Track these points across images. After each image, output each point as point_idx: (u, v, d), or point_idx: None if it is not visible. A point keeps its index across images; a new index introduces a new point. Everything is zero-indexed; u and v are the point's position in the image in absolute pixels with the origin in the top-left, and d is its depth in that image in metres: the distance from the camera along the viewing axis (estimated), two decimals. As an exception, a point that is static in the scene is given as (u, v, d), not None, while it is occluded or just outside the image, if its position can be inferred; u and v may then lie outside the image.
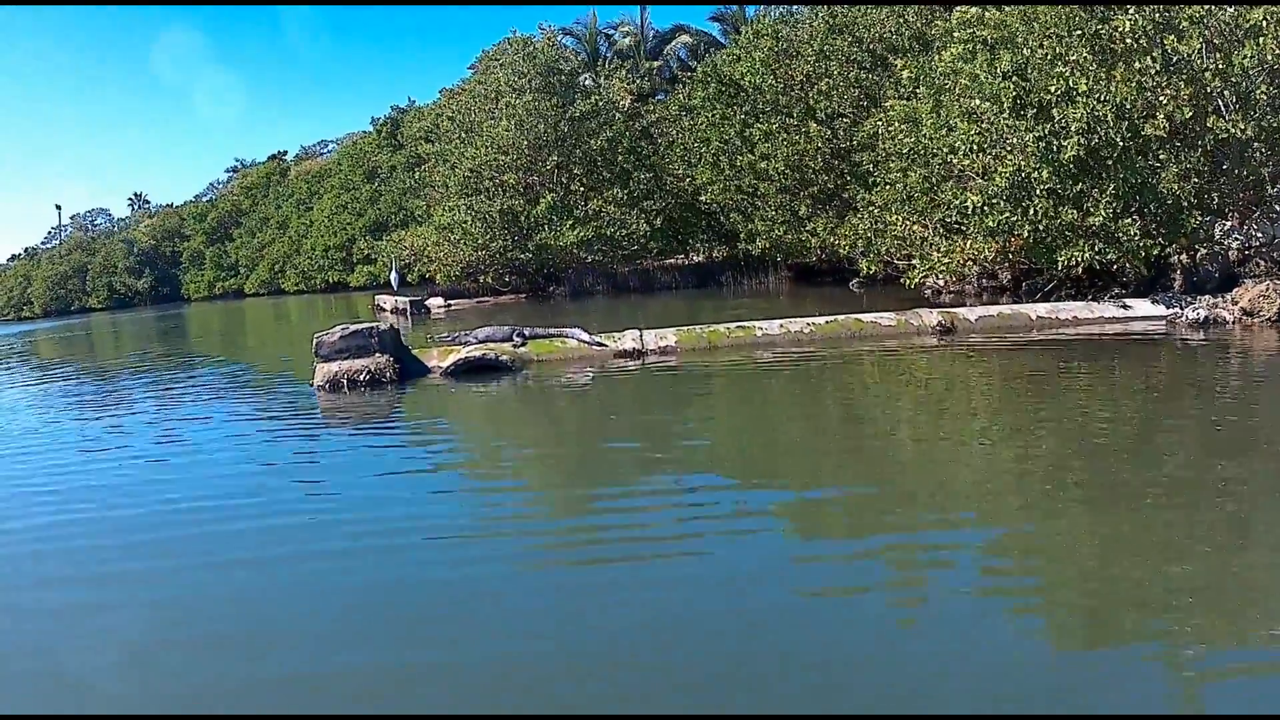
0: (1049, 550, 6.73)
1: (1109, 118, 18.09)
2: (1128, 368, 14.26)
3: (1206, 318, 17.52)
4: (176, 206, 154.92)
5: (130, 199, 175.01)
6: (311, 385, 16.65)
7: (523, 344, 17.61)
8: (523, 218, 40.33)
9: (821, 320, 18.22)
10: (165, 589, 6.98)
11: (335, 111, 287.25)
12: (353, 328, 17.04)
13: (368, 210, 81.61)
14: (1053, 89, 18.55)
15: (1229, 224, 20.81)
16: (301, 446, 12.12)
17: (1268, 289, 17.57)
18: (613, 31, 76.53)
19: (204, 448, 12.34)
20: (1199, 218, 19.41)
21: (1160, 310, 18.59)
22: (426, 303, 41.41)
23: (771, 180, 33.27)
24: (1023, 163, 18.54)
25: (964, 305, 21.56)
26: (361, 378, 16.31)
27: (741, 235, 37.04)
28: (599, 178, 41.55)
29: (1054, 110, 18.67)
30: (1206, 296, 18.53)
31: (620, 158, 41.88)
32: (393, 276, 51.31)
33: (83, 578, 7.38)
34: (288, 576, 7.06)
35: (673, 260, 45.23)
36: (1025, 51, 19.66)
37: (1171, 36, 18.28)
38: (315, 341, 16.94)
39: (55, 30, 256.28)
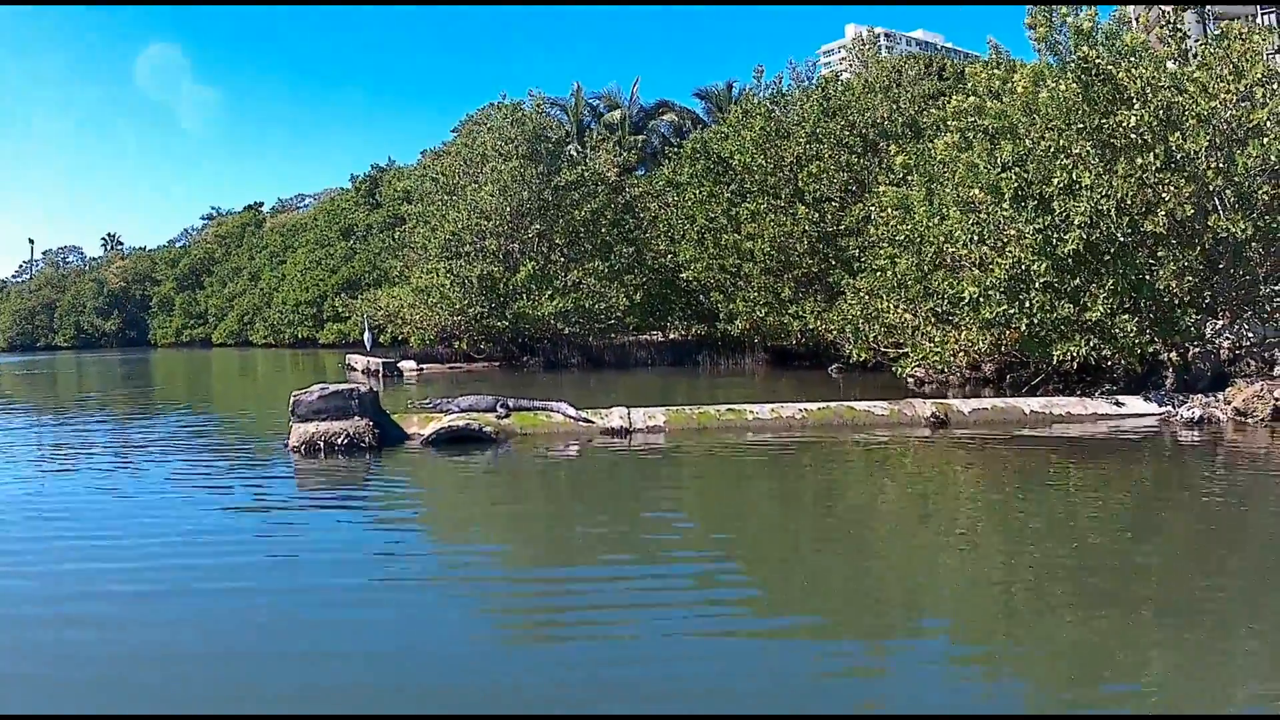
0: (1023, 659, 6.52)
1: (1112, 212, 17.89)
2: (1125, 468, 14.00)
3: (1201, 417, 17.34)
4: (149, 250, 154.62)
5: (103, 239, 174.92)
6: (286, 445, 15.99)
7: (506, 415, 17.08)
8: (501, 285, 39.89)
9: (814, 407, 17.81)
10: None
11: (314, 166, 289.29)
12: (332, 388, 16.50)
13: (341, 267, 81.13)
14: (1055, 181, 18.35)
15: (1220, 323, 20.62)
16: (273, 521, 11.54)
17: (1261, 390, 17.41)
18: (598, 103, 76.70)
19: (173, 524, 11.24)
20: (1193, 316, 19.22)
21: (1153, 408, 18.36)
22: (399, 365, 40.81)
23: (756, 261, 32.95)
24: (1021, 255, 18.28)
25: (946, 395, 21.30)
26: (339, 441, 15.68)
27: (721, 315, 36.59)
28: (580, 249, 41.20)
29: (1054, 203, 18.47)
30: (1200, 395, 18.31)
31: (603, 230, 41.57)
32: (366, 336, 50.65)
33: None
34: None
35: (648, 336, 44.82)
36: (1027, 143, 19.48)
37: (1177, 134, 18.14)
38: (292, 400, 16.23)
39: (40, 58, 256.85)
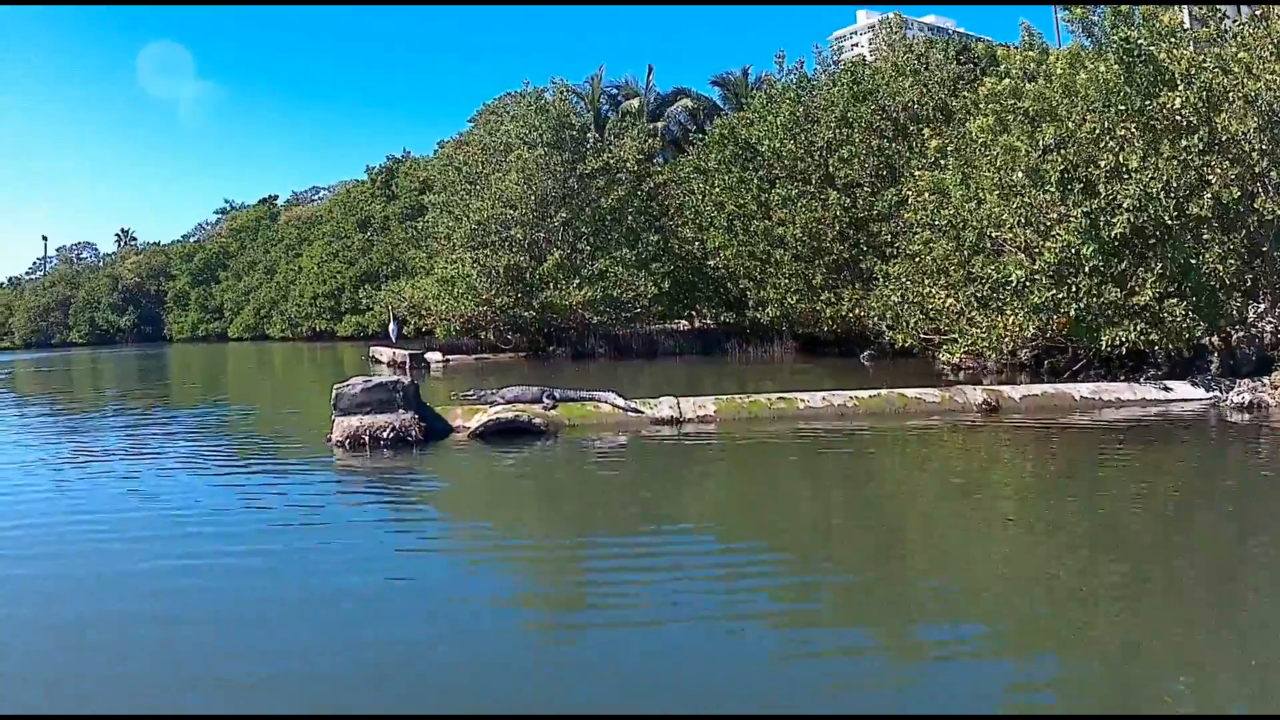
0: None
1: (1160, 195, 17.71)
2: (1183, 452, 13.93)
3: (1251, 401, 17.10)
4: (163, 245, 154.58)
5: (117, 235, 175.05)
6: (329, 440, 15.77)
7: (553, 406, 16.83)
8: (528, 274, 39.74)
9: (865, 394, 17.61)
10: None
11: (328, 158, 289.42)
12: (375, 380, 16.28)
13: (359, 259, 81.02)
14: (1103, 164, 18.17)
15: (1262, 306, 20.44)
16: (328, 516, 11.40)
17: (1309, 374, 17.23)
18: (616, 91, 76.51)
19: (228, 525, 11.05)
20: (1238, 300, 19.08)
21: (1200, 393, 18.17)
22: (425, 357, 40.62)
23: (787, 247, 32.79)
24: (1070, 239, 18.09)
25: (982, 381, 21.10)
26: (385, 435, 15.43)
27: (751, 302, 36.46)
28: (607, 237, 40.98)
29: (1100, 186, 18.29)
30: (1247, 380, 18.11)
31: (629, 218, 41.41)
32: (391, 328, 50.54)
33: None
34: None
35: (675, 325, 44.63)
36: (1070, 125, 19.29)
37: (1224, 114, 17.96)
38: (335, 393, 15.95)
39: (53, 59, 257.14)
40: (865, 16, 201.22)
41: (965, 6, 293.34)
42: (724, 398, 17.70)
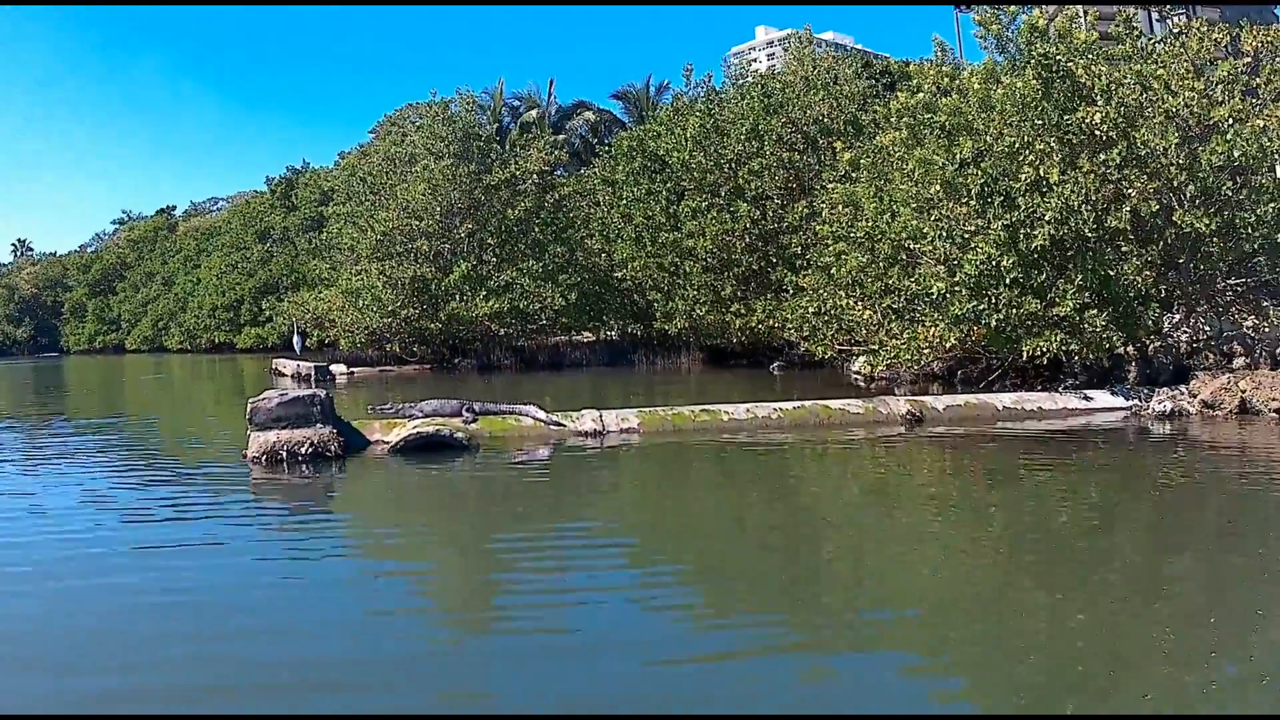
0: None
1: (1081, 208, 17.83)
2: (1111, 460, 14.10)
3: (1172, 410, 17.22)
4: (60, 256, 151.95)
5: (13, 245, 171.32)
6: (245, 457, 15.25)
7: (473, 420, 16.43)
8: (434, 286, 39.33)
9: (789, 405, 17.48)
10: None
11: (226, 169, 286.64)
12: (292, 393, 15.78)
13: (259, 271, 79.97)
14: (1023, 177, 18.25)
15: (1176, 316, 20.69)
16: (245, 536, 10.99)
17: (1228, 383, 17.39)
18: (518, 104, 76.22)
19: (142, 550, 10.44)
20: (1156, 310, 19.28)
21: (1120, 402, 18.30)
22: (330, 369, 40.02)
23: (696, 259, 32.70)
24: (991, 251, 18.14)
25: (894, 393, 21.08)
26: (303, 451, 14.89)
27: (658, 314, 36.32)
28: (513, 249, 40.66)
29: (1019, 199, 18.37)
30: (1165, 389, 18.27)
31: (536, 229, 41.10)
32: (295, 340, 49.79)
33: None
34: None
35: (582, 337, 44.44)
36: (987, 138, 19.38)
37: (1143, 129, 18.14)
38: (250, 407, 15.30)
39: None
40: (764, 32, 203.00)
41: (863, 24, 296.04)
42: (647, 410, 17.42)
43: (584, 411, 17.07)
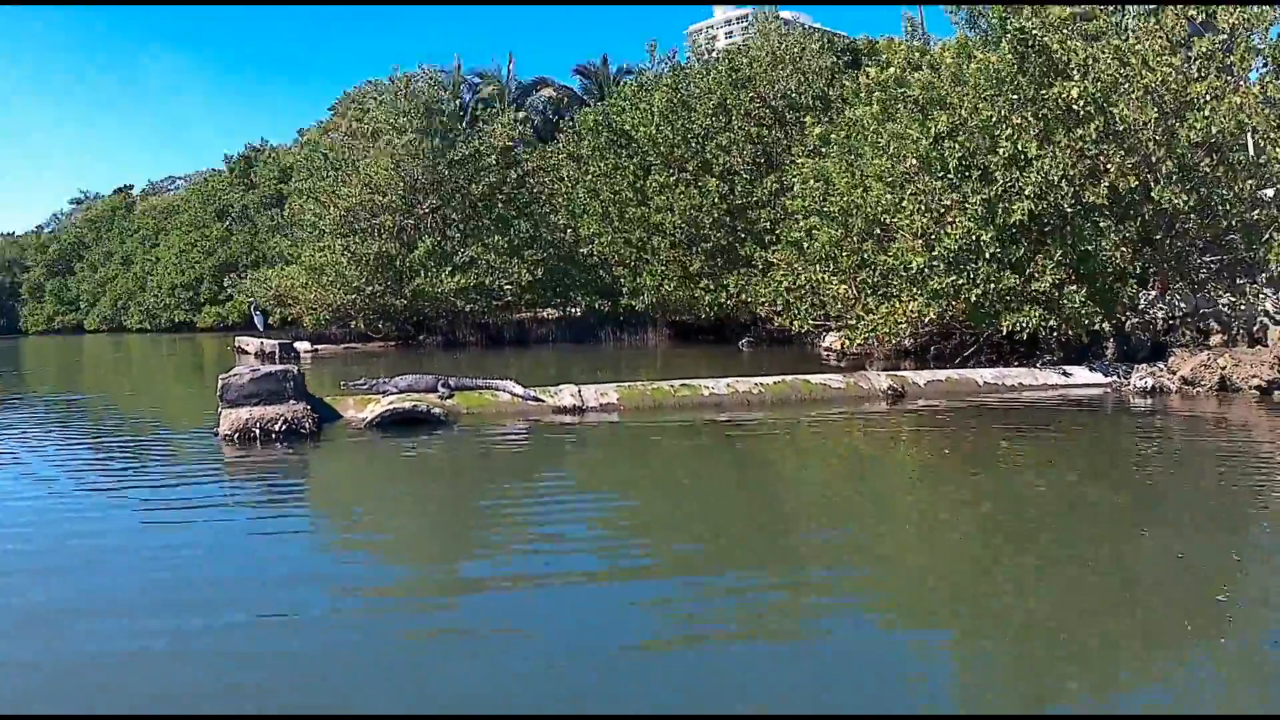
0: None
1: (1061, 183, 17.73)
2: (1100, 435, 14.12)
3: (1153, 386, 17.19)
4: (17, 236, 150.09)
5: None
6: (216, 434, 14.96)
7: (449, 395, 16.15)
8: (398, 262, 38.99)
9: (770, 381, 17.31)
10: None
11: (182, 148, 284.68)
12: (264, 369, 15.55)
13: (218, 249, 78.96)
14: (1001, 151, 18.12)
15: (1152, 293, 20.67)
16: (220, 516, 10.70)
17: (1208, 359, 17.44)
18: (478, 81, 75.74)
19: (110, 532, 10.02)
20: (1134, 287, 19.25)
21: (1099, 378, 18.35)
22: (294, 346, 39.52)
23: (665, 234, 32.46)
24: (971, 225, 18.02)
25: (865, 368, 20.99)
26: (277, 428, 14.60)
27: (625, 289, 36.10)
28: (477, 224, 40.33)
29: (997, 174, 18.25)
30: (1145, 365, 18.30)
31: (500, 205, 40.75)
32: (256, 317, 49.11)
33: None
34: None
35: (546, 313, 44.16)
36: (962, 113, 19.25)
37: (1122, 105, 18.06)
38: (221, 383, 14.97)
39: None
40: (722, 11, 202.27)
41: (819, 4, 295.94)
42: (626, 385, 17.20)
43: (562, 386, 16.83)
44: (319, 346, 40.52)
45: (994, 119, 18.78)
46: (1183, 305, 21.24)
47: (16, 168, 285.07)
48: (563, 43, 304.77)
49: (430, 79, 42.98)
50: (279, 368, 15.85)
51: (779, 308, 26.17)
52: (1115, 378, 18.17)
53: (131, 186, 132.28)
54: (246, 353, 41.26)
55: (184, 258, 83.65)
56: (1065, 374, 18.44)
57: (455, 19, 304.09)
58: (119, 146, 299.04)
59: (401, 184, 39.56)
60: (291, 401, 15.10)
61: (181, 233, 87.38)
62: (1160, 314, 20.80)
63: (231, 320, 71.46)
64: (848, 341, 22.21)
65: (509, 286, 39.03)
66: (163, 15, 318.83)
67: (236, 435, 14.51)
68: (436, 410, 15.51)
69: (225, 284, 62.44)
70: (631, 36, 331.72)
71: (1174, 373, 17.61)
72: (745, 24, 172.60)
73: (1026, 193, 17.80)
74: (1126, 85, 18.53)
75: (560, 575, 7.60)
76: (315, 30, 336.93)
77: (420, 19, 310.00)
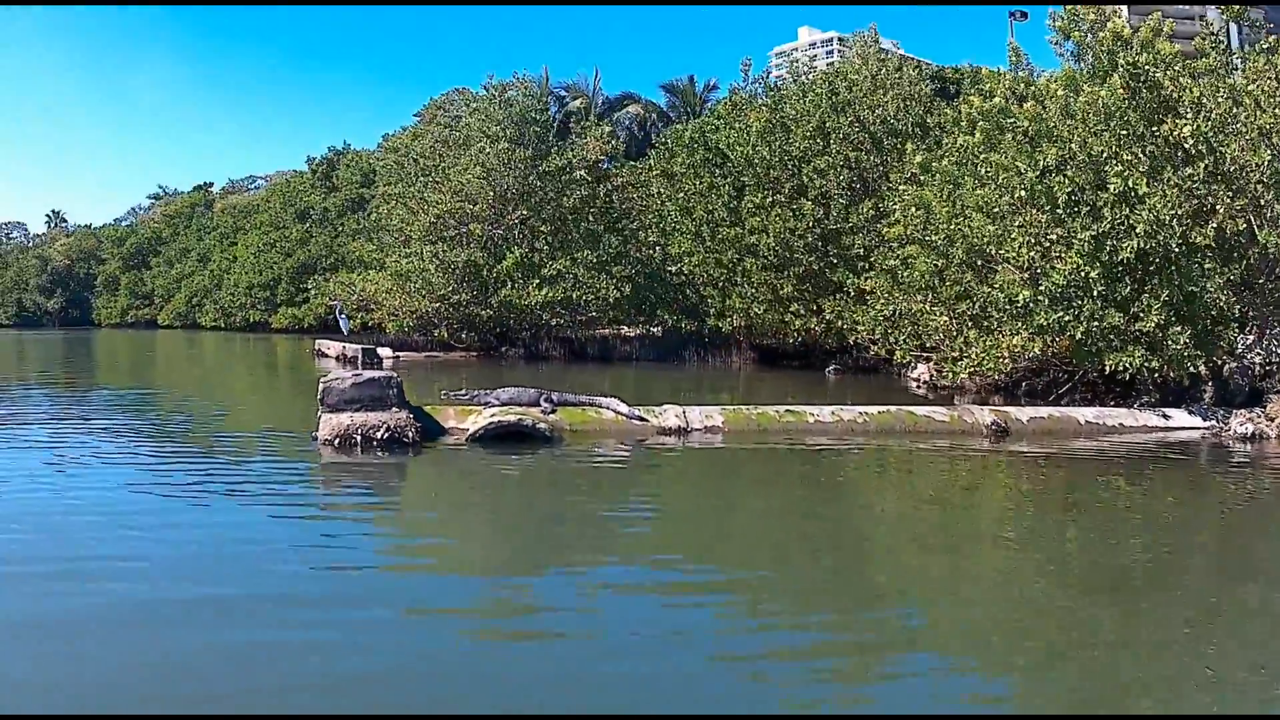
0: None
1: (1172, 222, 17.55)
2: (1211, 483, 13.98)
3: (1253, 432, 17.02)
4: (95, 228, 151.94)
5: (48, 216, 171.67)
6: (314, 438, 15.05)
7: (552, 410, 16.18)
8: (485, 272, 39.09)
9: (874, 410, 17.28)
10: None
11: (265, 148, 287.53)
12: (367, 374, 15.68)
13: (297, 251, 79.38)
14: (1112, 187, 17.95)
15: (1250, 338, 20.43)
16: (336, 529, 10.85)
17: (1307, 407, 17.23)
18: (564, 94, 76.01)
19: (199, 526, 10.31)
20: (1235, 330, 19.03)
21: (1198, 421, 18.11)
22: (378, 352, 39.70)
23: (758, 256, 32.31)
24: (1080, 261, 17.87)
25: (954, 400, 20.93)
26: (379, 435, 14.70)
27: (712, 310, 35.93)
28: (566, 238, 40.36)
29: (1105, 210, 18.08)
30: (1244, 410, 18.08)
31: (590, 219, 40.78)
32: (342, 321, 49.46)
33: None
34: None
35: (630, 330, 44.07)
36: (1073, 146, 19.09)
37: (1234, 145, 17.89)
38: (322, 387, 15.16)
39: None
40: (807, 33, 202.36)
41: (906, 29, 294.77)
42: (731, 408, 17.28)
43: (666, 406, 16.87)
44: (400, 353, 40.74)
45: (1105, 154, 18.62)
46: (1279, 350, 21.01)
47: (97, 161, 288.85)
48: (646, 59, 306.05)
49: (524, 88, 43.09)
50: (382, 374, 15.94)
51: (876, 336, 25.99)
52: (1214, 422, 17.93)
53: (211, 184, 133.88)
54: (327, 356, 41.65)
55: (262, 258, 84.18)
56: (1165, 416, 18.22)
57: (539, 32, 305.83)
58: (201, 143, 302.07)
59: (492, 193, 39.66)
60: (394, 409, 15.21)
61: (260, 232, 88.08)
62: (1258, 359, 20.54)
63: (307, 323, 71.95)
64: (952, 373, 21.91)
65: (595, 302, 39.00)
66: (250, 19, 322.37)
67: (337, 440, 14.64)
68: (542, 426, 15.55)
69: (307, 286, 62.85)
70: (716, 57, 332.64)
71: (1272, 420, 17.45)
72: (829, 48, 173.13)
73: (1138, 230, 17.60)
74: (1238, 125, 18.35)
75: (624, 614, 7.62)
76: (400, 36, 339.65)
77: (503, 31, 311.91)
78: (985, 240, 20.12)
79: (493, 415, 15.72)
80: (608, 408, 16.67)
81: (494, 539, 10.17)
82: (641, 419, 16.44)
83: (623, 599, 7.86)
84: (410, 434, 14.93)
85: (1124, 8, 26.87)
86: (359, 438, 14.70)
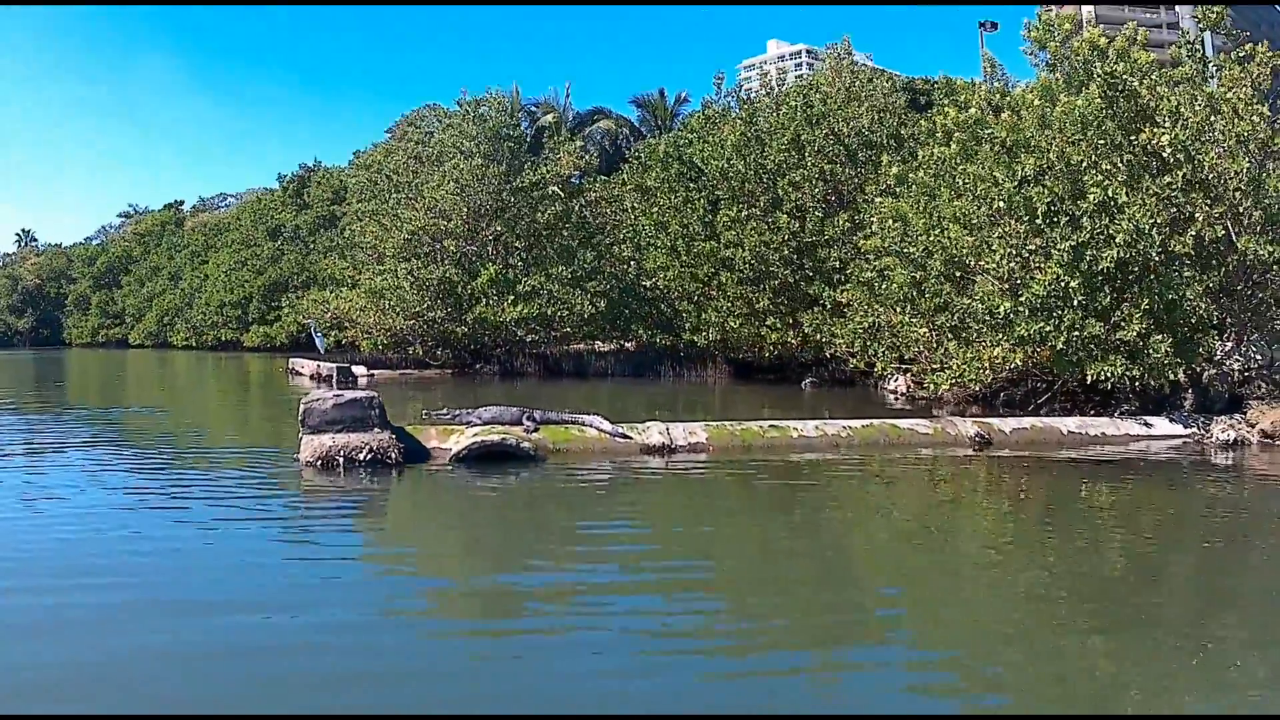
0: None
1: (1151, 231, 17.60)
2: (1197, 492, 13.95)
3: (1235, 439, 17.13)
4: (65, 247, 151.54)
5: (17, 235, 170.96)
6: (297, 459, 14.89)
7: (534, 429, 16.03)
8: (459, 288, 38.96)
9: (858, 424, 17.25)
10: None
11: (235, 166, 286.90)
12: (348, 395, 15.46)
13: (269, 268, 79.12)
14: (1091, 197, 17.99)
15: (1228, 344, 20.50)
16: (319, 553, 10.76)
17: (1288, 413, 17.31)
18: (535, 109, 75.87)
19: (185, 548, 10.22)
20: (1214, 337, 19.10)
21: (1179, 429, 18.19)
22: (352, 370, 39.46)
23: (733, 270, 32.25)
24: (1059, 271, 17.90)
25: (932, 412, 20.97)
26: (361, 456, 14.53)
27: (688, 325, 35.85)
28: (541, 253, 40.27)
29: (1084, 220, 18.12)
30: (1224, 417, 18.21)
31: (564, 234, 40.68)
32: (317, 339, 49.19)
33: None
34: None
35: (603, 345, 43.96)
36: (1051, 157, 19.14)
37: (1212, 153, 17.95)
38: (303, 408, 14.96)
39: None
40: (775, 46, 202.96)
41: (876, 41, 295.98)
42: (714, 424, 17.13)
43: (650, 424, 16.75)
44: (375, 371, 40.55)
45: (1083, 164, 18.68)
46: (1259, 357, 21.09)
47: (66, 179, 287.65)
48: (614, 72, 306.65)
49: (497, 104, 43.00)
50: (364, 394, 15.76)
51: (855, 349, 25.98)
52: (1195, 429, 18.04)
53: (182, 202, 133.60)
54: (301, 374, 41.42)
55: (233, 276, 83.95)
56: (1146, 424, 18.28)
57: (508, 47, 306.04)
58: (171, 161, 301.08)
59: (466, 209, 39.55)
60: (377, 430, 15.07)
61: (231, 250, 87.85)
62: (1236, 365, 20.62)
63: (279, 341, 71.71)
64: (934, 385, 21.87)
65: (570, 317, 38.92)
66: (218, 35, 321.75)
67: (319, 461, 14.48)
68: (525, 445, 15.45)
69: (281, 304, 62.66)
70: (685, 70, 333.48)
71: (1253, 425, 17.63)
72: (798, 60, 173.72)
73: (1118, 240, 17.63)
74: (1216, 133, 18.43)
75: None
76: (369, 53, 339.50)
77: (472, 46, 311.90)
78: (964, 251, 20.13)
79: (475, 435, 15.60)
80: (591, 425, 16.54)
81: (481, 563, 10.04)
82: (625, 436, 16.32)
83: (616, 620, 7.77)
84: (393, 455, 14.76)
85: (1089, 8, 27.02)
86: (341, 459, 14.52)
